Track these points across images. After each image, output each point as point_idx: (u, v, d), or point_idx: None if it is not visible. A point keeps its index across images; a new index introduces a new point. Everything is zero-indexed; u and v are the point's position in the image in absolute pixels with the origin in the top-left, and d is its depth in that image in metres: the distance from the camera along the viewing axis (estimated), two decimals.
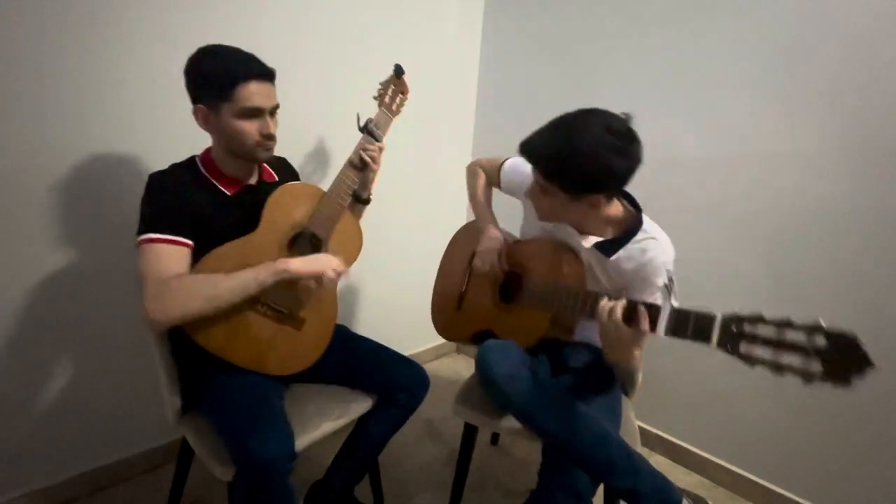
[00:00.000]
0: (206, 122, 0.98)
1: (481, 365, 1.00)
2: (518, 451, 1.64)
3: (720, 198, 1.43)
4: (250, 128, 0.96)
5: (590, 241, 1.06)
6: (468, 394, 1.19)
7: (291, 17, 1.45)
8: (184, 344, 1.01)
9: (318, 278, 0.99)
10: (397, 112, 1.28)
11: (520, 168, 1.23)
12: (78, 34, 1.10)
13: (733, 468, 1.48)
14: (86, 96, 1.13)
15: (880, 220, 1.18)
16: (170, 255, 0.91)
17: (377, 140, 1.19)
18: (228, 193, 1.03)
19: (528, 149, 0.95)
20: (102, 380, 1.29)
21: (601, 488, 0.94)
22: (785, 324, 0.64)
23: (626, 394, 1.27)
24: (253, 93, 0.94)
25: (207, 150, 1.04)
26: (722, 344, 0.70)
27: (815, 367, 0.61)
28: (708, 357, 1.49)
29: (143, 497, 1.32)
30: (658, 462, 1.62)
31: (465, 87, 2.08)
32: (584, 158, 0.89)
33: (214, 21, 1.29)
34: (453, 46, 1.97)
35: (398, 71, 1.28)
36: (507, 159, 1.30)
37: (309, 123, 1.56)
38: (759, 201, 1.36)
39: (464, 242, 1.40)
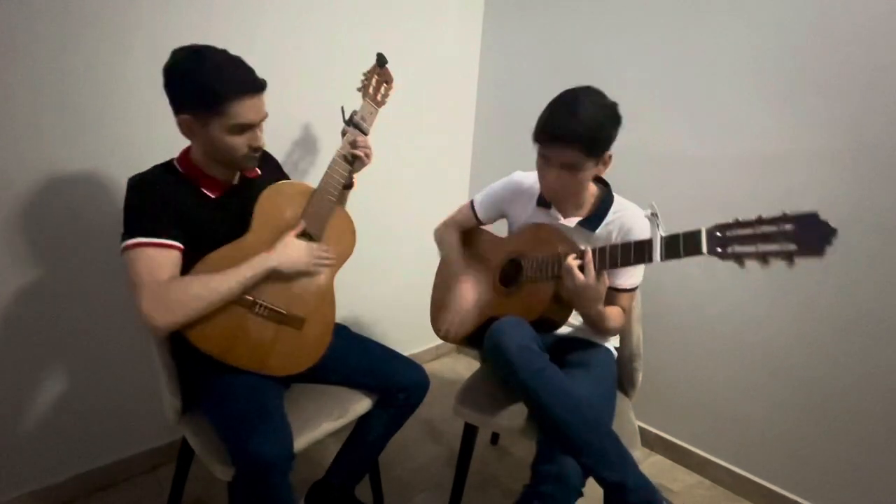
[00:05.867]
0: (190, 132, 0.94)
1: (493, 334, 1.00)
2: (518, 451, 1.64)
3: (719, 197, 1.43)
4: (240, 141, 0.94)
5: (572, 221, 1.13)
6: (468, 394, 1.20)
7: (285, 10, 1.43)
8: (184, 344, 1.01)
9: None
10: (382, 103, 1.25)
11: (489, 192, 1.30)
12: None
13: (733, 468, 1.48)
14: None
15: (880, 219, 1.17)
16: (161, 258, 0.89)
17: (364, 133, 1.17)
18: (213, 196, 1.00)
19: (569, 130, 0.96)
20: (102, 380, 1.29)
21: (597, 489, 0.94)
22: (757, 221, 0.75)
23: (627, 394, 1.27)
24: (246, 108, 0.91)
25: (186, 152, 1.00)
26: (712, 250, 0.78)
27: (791, 246, 0.70)
28: (708, 357, 1.50)
29: (143, 497, 1.32)
30: (658, 462, 1.62)
31: (465, 87, 2.08)
32: (615, 120, 1.00)
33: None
34: (453, 46, 1.96)
35: (381, 60, 1.24)
36: (470, 201, 1.34)
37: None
38: (759, 201, 1.35)
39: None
